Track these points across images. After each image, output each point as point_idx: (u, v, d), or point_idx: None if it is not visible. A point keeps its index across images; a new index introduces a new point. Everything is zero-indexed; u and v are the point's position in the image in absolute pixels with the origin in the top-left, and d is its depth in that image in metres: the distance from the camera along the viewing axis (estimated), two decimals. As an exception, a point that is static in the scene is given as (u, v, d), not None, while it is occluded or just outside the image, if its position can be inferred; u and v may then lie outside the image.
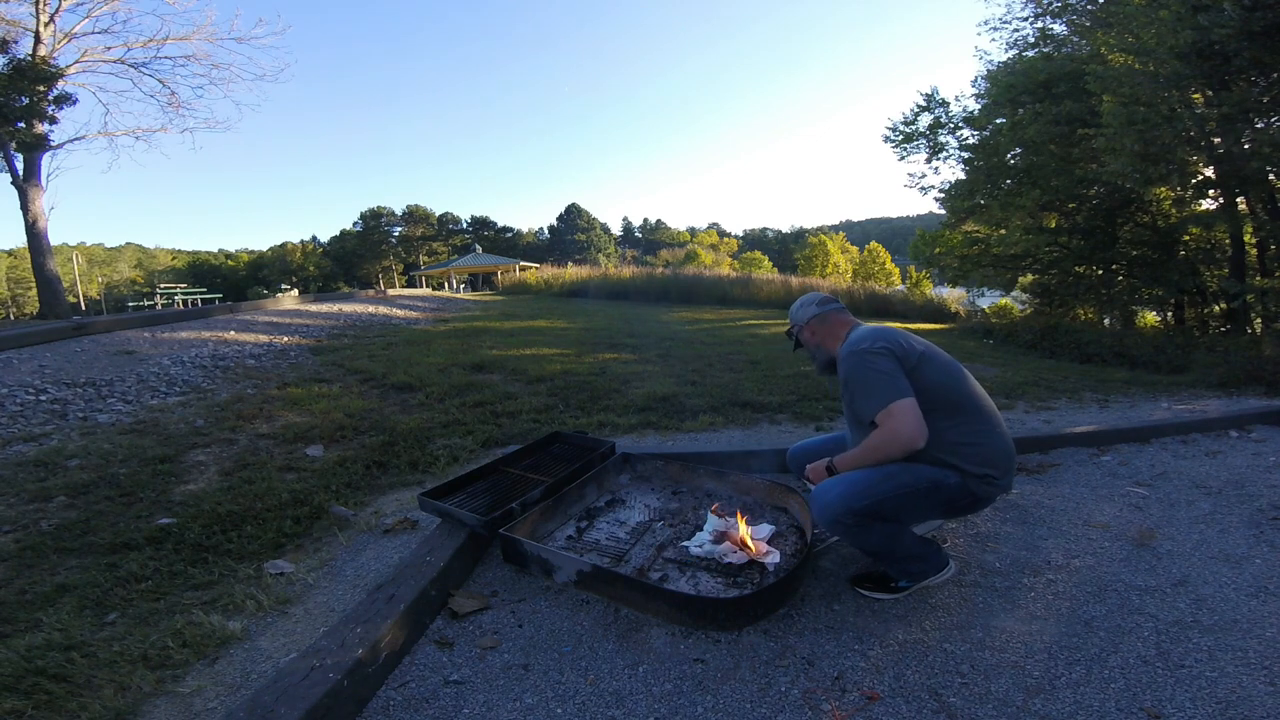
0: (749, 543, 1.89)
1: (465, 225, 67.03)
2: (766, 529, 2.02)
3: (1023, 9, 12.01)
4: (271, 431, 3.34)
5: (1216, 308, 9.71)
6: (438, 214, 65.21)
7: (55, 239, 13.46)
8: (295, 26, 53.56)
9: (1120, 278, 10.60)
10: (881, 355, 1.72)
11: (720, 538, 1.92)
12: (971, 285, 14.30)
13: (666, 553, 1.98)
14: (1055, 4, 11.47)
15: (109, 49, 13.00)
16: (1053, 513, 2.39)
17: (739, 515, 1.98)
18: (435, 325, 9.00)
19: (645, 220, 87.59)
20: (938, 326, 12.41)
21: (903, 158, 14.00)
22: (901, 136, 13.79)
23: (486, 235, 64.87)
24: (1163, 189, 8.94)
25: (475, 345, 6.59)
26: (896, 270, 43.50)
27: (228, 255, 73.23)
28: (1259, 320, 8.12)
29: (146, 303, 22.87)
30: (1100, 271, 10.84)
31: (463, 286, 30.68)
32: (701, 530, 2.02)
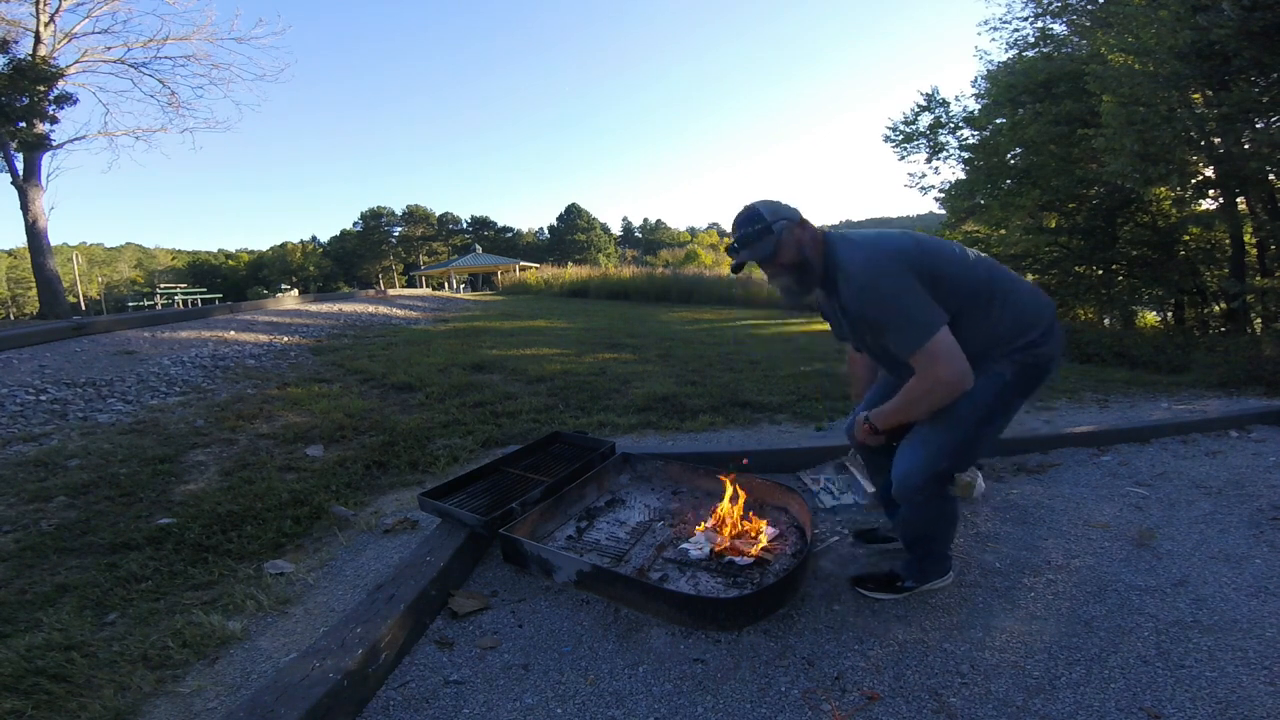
0: (738, 530, 1.89)
1: (465, 225, 67.08)
2: (768, 531, 2.03)
3: (1023, 9, 12.01)
4: (271, 431, 3.34)
5: (1216, 308, 9.70)
6: (438, 214, 65.29)
7: (55, 239, 13.47)
8: (295, 26, 53.48)
9: (1120, 278, 10.60)
10: (903, 275, 1.44)
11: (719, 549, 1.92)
12: (972, 285, 14.27)
13: (666, 553, 1.98)
14: (1055, 4, 11.47)
15: (109, 49, 13.02)
16: (1053, 513, 2.39)
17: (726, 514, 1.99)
18: (435, 325, 9.00)
19: (645, 220, 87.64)
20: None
21: (903, 158, 14.00)
22: (902, 136, 13.79)
23: (486, 235, 64.92)
24: (1162, 189, 8.93)
25: (475, 345, 6.59)
26: (896, 270, 43.39)
27: (228, 255, 73.24)
28: (1259, 320, 8.11)
29: (146, 303, 22.87)
30: (1100, 271, 10.83)
31: (463, 286, 30.70)
32: (698, 535, 2.03)
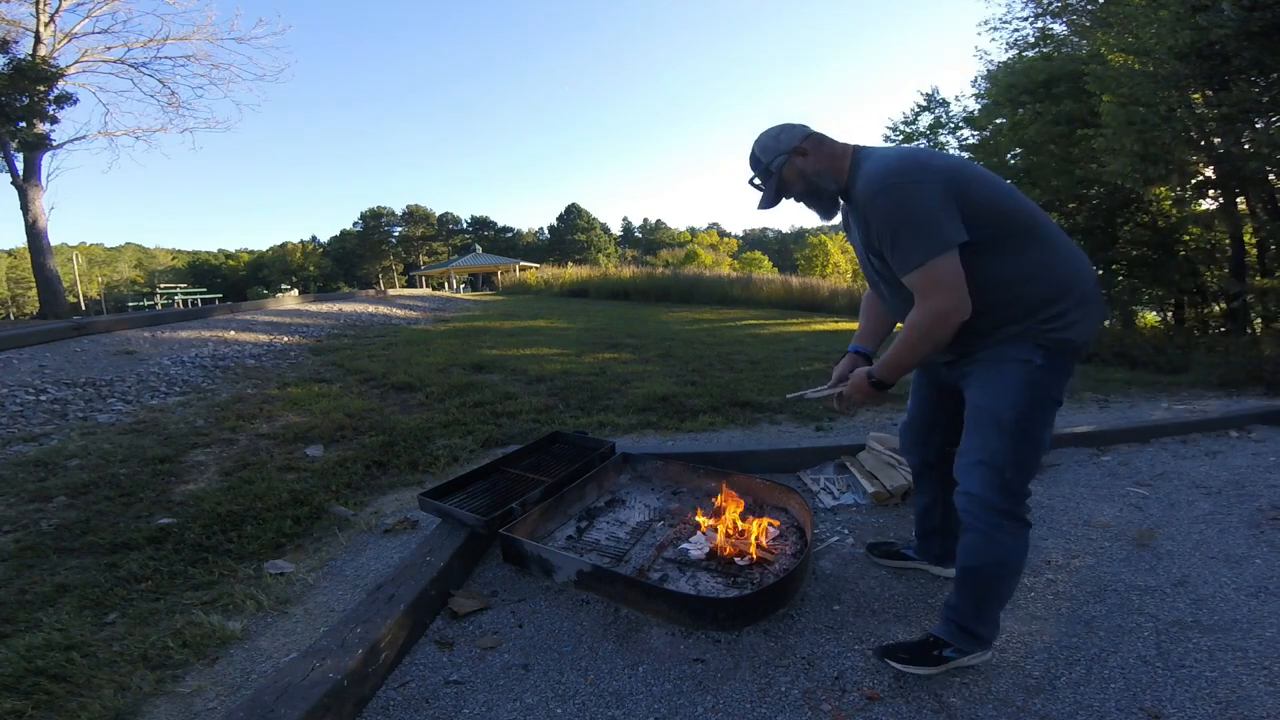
0: (740, 535, 1.89)
1: (465, 225, 67.14)
2: (768, 531, 2.03)
3: (1023, 9, 12.02)
4: (271, 431, 3.34)
5: (1216, 308, 9.70)
6: (438, 214, 65.32)
7: (55, 239, 13.49)
8: (295, 26, 53.45)
9: (1120, 278, 10.60)
10: (928, 185, 1.30)
11: (714, 551, 1.92)
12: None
13: (666, 553, 1.98)
14: (1055, 4, 11.47)
15: (109, 49, 13.04)
16: (1053, 513, 2.39)
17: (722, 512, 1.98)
18: (435, 325, 9.00)
19: (645, 220, 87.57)
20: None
21: (903, 158, 13.97)
22: (902, 136, 13.77)
23: (486, 235, 64.99)
24: (1162, 189, 8.93)
25: (475, 345, 6.59)
26: (896, 270, 43.27)
27: (228, 255, 73.24)
28: (1259, 320, 8.11)
29: (146, 303, 22.88)
30: (1100, 271, 10.82)
31: (463, 286, 30.72)
32: (698, 535, 2.03)
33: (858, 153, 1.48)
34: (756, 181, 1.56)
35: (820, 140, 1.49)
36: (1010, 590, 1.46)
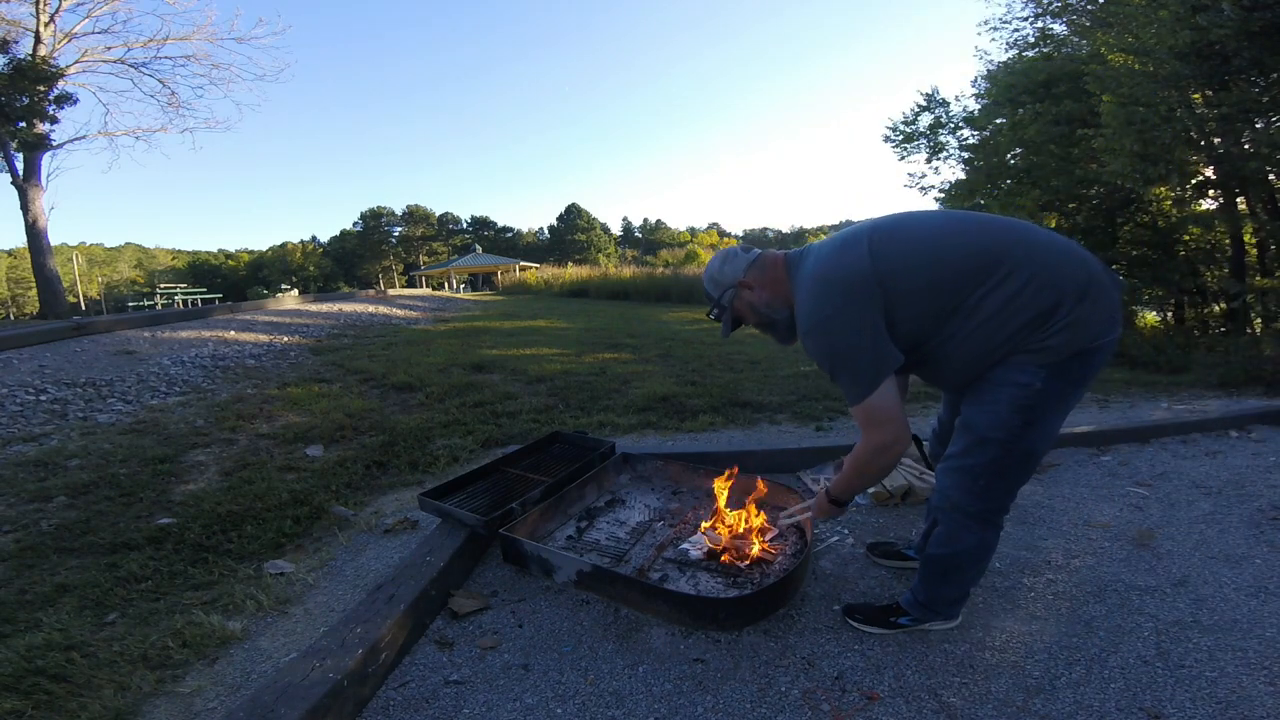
0: (746, 537, 1.89)
1: (465, 225, 67.19)
2: (768, 531, 2.03)
3: (1023, 9, 12.02)
4: (271, 431, 3.34)
5: (1216, 308, 9.70)
6: (438, 214, 65.36)
7: (55, 239, 13.53)
8: (295, 26, 53.41)
9: (1120, 278, 10.60)
10: (847, 314, 1.31)
11: (713, 552, 1.91)
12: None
13: (666, 553, 1.98)
14: (1055, 4, 11.47)
15: (109, 49, 13.07)
16: (1053, 513, 2.39)
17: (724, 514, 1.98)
18: (435, 325, 9.00)
19: (645, 220, 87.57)
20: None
21: (903, 158, 13.97)
22: (902, 136, 13.78)
23: (486, 235, 65.05)
24: (1162, 189, 8.93)
25: (475, 345, 6.60)
26: (896, 270, 43.31)
27: (228, 255, 73.23)
28: (1259, 320, 8.11)
29: (147, 303, 22.87)
30: (1100, 271, 10.81)
31: (463, 286, 30.75)
32: (698, 535, 2.03)
33: (789, 267, 1.50)
34: (715, 313, 1.61)
35: (762, 266, 1.52)
36: (971, 578, 1.56)
